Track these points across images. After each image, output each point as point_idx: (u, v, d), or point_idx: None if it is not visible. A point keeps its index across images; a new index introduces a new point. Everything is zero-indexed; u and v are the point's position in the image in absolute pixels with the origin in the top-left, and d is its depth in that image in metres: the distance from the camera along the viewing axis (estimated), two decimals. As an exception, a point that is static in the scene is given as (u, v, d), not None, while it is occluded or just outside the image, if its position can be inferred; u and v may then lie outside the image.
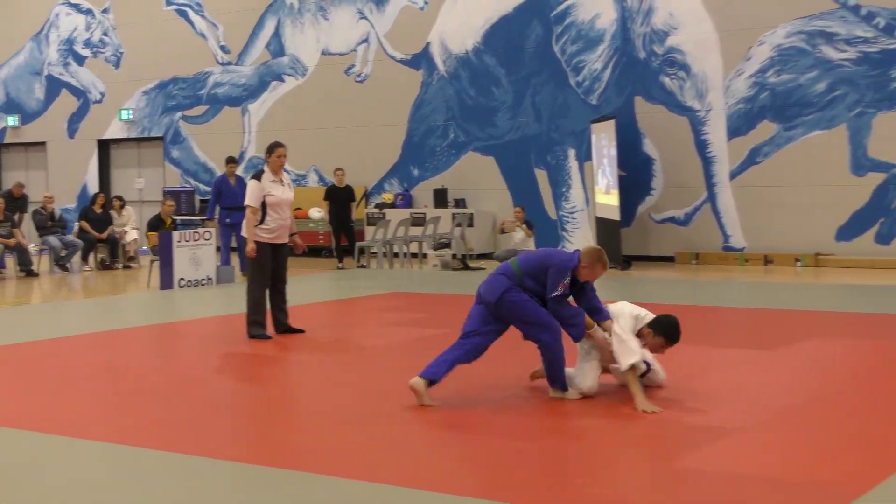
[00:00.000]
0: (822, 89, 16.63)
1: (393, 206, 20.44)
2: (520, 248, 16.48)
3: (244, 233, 9.76)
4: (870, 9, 16.19)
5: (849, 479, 5.11)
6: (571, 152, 18.97)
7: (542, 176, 19.26)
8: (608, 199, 17.48)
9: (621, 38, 18.24)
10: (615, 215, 17.04)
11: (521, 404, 6.92)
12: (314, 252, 20.54)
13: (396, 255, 18.34)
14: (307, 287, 14.79)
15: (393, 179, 20.90)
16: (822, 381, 7.39)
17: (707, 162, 17.62)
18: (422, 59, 20.42)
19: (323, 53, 21.56)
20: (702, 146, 17.64)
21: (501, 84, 19.55)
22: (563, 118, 18.95)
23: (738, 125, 17.34)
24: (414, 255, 18.88)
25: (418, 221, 19.02)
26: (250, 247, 9.56)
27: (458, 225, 18.76)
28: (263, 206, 9.61)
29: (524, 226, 16.43)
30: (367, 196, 21.07)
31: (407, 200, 20.53)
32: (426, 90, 20.41)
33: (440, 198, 19.84)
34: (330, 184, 19.35)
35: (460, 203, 19.69)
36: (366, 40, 21.07)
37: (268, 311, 9.92)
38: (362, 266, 17.92)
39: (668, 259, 17.98)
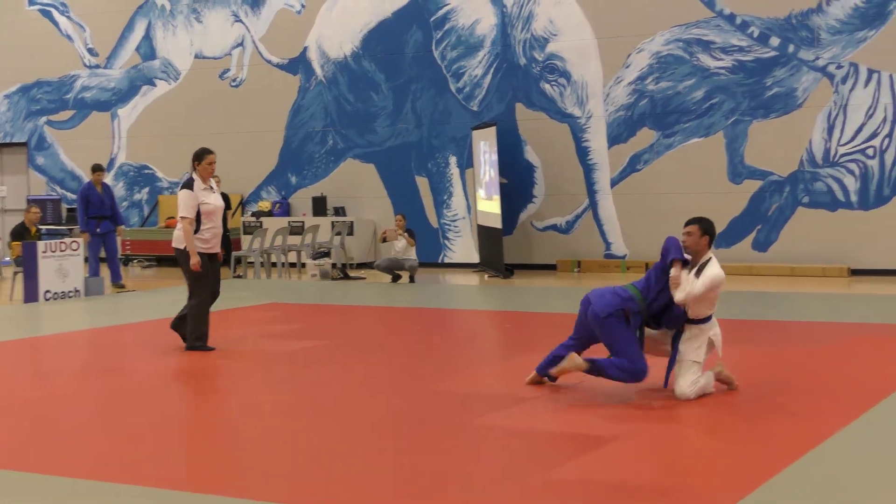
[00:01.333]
0: (700, 97, 17.12)
1: (270, 214, 20.29)
2: (401, 257, 16.55)
3: (177, 243, 9.59)
4: (744, 18, 16.75)
5: (725, 485, 5.29)
6: (453, 159, 19.13)
7: (423, 183, 19.37)
8: (490, 206, 17.68)
9: (502, 44, 18.48)
10: (497, 223, 17.25)
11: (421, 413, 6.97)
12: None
13: (274, 264, 18.23)
14: (181, 299, 14.58)
15: (270, 187, 20.76)
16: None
17: (588, 169, 17.97)
18: (299, 64, 20.34)
19: (196, 57, 21.31)
20: (583, 153, 17.99)
21: (381, 90, 19.61)
22: (444, 124, 19.10)
23: (619, 132, 17.73)
24: (292, 265, 18.78)
25: (297, 230, 18.93)
26: (195, 260, 9.48)
27: (338, 234, 18.74)
28: (197, 215, 9.55)
29: (406, 234, 16.50)
30: (243, 204, 20.88)
31: (285, 209, 20.41)
32: (304, 96, 20.34)
33: (319, 206, 19.79)
34: (204, 192, 19.08)
35: (340, 211, 19.67)
36: (241, 44, 20.90)
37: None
38: (238, 276, 17.80)
39: (551, 267, 18.26)
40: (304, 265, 18.91)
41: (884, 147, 15.97)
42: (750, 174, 16.88)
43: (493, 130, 17.12)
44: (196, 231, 9.55)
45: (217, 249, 9.80)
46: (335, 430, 6.84)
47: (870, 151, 16.06)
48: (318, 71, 20.14)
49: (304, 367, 9.01)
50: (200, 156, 9.74)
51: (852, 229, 16.19)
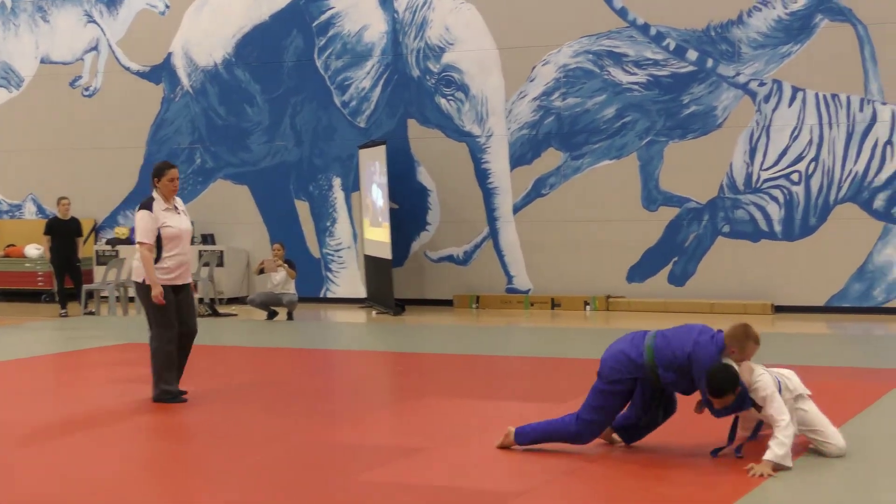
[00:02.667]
0: (611, 115, 17.44)
1: (128, 241, 20.00)
2: (278, 291, 16.47)
3: (136, 277, 9.29)
4: (659, 29, 17.14)
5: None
6: (337, 181, 19.13)
7: (303, 208, 19.31)
8: (378, 234, 17.71)
9: (392, 53, 18.59)
10: (386, 253, 17.28)
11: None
12: (32, 296, 19.84)
13: (132, 299, 17.96)
14: (22, 339, 14.30)
15: (128, 211, 20.47)
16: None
17: (488, 193, 18.14)
18: (162, 72, 20.16)
19: (42, 62, 20.97)
20: (482, 176, 18.16)
21: (256, 102, 19.54)
22: (328, 142, 19.11)
23: (522, 153, 17.94)
24: (153, 300, 18.53)
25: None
26: (157, 292, 9.11)
27: (206, 264, 18.57)
28: (158, 240, 9.21)
29: (285, 265, 16.44)
30: (96, 230, 20.55)
31: (145, 236, 20.13)
32: (168, 108, 20.15)
33: (184, 233, 19.57)
34: (52, 216, 18.78)
35: (208, 239, 19.50)
36: (95, 48, 20.64)
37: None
38: (90, 313, 17.54)
39: (447, 303, 18.34)
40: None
41: (809, 172, 16.46)
42: (666, 200, 17.23)
43: (382, 150, 17.18)
44: (157, 259, 9.20)
45: (185, 280, 9.43)
46: (202, 488, 6.77)
47: (794, 177, 16.54)
48: (185, 80, 19.99)
49: (165, 417, 8.90)
50: (161, 171, 9.42)
51: (776, 262, 16.62)
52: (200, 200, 19.80)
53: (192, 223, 9.79)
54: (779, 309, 16.54)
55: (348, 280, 19.12)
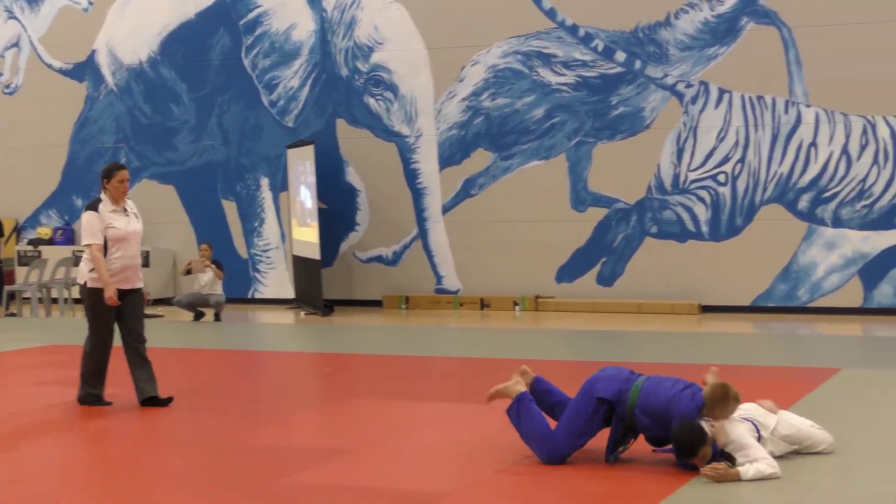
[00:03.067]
0: (541, 116, 17.51)
1: (51, 242, 19.77)
2: (206, 292, 16.34)
3: (81, 279, 9.06)
4: (588, 30, 17.24)
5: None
6: (265, 181, 19.03)
7: (230, 208, 19.18)
8: (307, 234, 17.63)
9: (321, 52, 18.52)
10: (315, 253, 17.21)
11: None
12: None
13: (55, 300, 17.76)
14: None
15: (51, 211, 20.21)
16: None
17: (417, 194, 18.14)
18: (86, 70, 19.92)
19: (-37, 58, 20.64)
20: (412, 176, 18.15)
21: (182, 101, 19.37)
22: (255, 142, 18.99)
23: (451, 153, 17.96)
24: (77, 301, 18.32)
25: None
26: (110, 293, 8.89)
27: (131, 265, 18.37)
28: (104, 243, 9.00)
29: (213, 266, 16.32)
30: (18, 230, 20.26)
31: (68, 236, 19.90)
32: (92, 106, 19.92)
33: (109, 233, 19.36)
34: (-28, 216, 18.48)
35: (133, 239, 19.30)
36: (16, 44, 20.34)
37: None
38: (12, 314, 17.35)
39: (376, 303, 18.32)
40: (90, 301, 18.46)
41: (735, 173, 16.66)
42: (594, 201, 17.34)
43: (310, 149, 17.12)
44: None
45: (133, 284, 9.18)
46: (124, 493, 6.69)
47: (721, 178, 16.72)
48: (109, 78, 19.77)
49: (89, 420, 8.79)
50: (110, 172, 9.18)
51: (703, 262, 16.80)
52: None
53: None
54: (706, 309, 16.72)
55: (276, 281, 19.03)
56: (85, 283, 9.05)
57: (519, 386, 7.17)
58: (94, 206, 9.13)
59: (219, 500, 6.40)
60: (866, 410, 8.70)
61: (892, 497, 6.16)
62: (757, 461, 6.50)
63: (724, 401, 6.73)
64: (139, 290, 9.27)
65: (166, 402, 9.20)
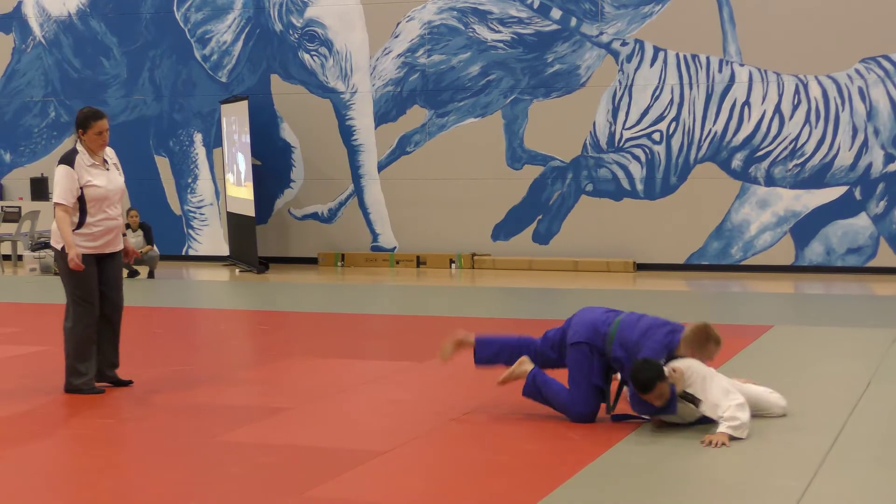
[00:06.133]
0: (476, 73, 17.49)
1: (-22, 198, 19.48)
2: (139, 249, 16.18)
3: (55, 243, 7.96)
4: (525, -14, 17.22)
5: (497, 502, 5.45)
6: (198, 137, 18.85)
7: (163, 164, 19.00)
8: (241, 191, 17.52)
9: (254, 6, 18.32)
10: (250, 210, 17.11)
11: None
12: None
13: (-16, 258, 17.53)
14: None
15: (-21, 166, 19.90)
16: (473, 394, 7.79)
17: (353, 151, 18.06)
18: (13, 22, 19.55)
19: None
20: (347, 133, 18.07)
21: (113, 55, 19.09)
22: (189, 97, 18.79)
23: (387, 110, 17.89)
24: (6, 258, 18.10)
25: (12, 217, 18.24)
26: (73, 254, 7.72)
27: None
28: (82, 202, 7.88)
29: (140, 232, 16.18)
30: (-55, 186, 19.93)
31: (-3, 192, 19.63)
32: (19, 59, 19.57)
33: (39, 189, 19.10)
34: None
35: (64, 196, 19.06)
36: (-58, -4, 19.91)
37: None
38: (-60, 272, 17.04)
39: (311, 261, 18.26)
40: (20, 258, 18.23)
41: (670, 132, 16.76)
42: (530, 159, 17.38)
43: (244, 105, 16.98)
44: (80, 224, 7.87)
45: (114, 247, 8.07)
46: (60, 449, 6.63)
47: (656, 136, 16.82)
48: (37, 30, 19.42)
49: (23, 377, 8.68)
50: (86, 122, 7.93)
51: (638, 220, 16.92)
52: (55, 156, 19.24)
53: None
54: (640, 267, 16.86)
55: (211, 238, 18.90)
56: (62, 247, 7.92)
57: (525, 365, 7.13)
58: (69, 158, 7.90)
59: (150, 458, 6.36)
60: (798, 366, 8.83)
61: (823, 450, 6.26)
62: (727, 409, 6.44)
63: (704, 342, 6.74)
64: (118, 254, 8.19)
65: (126, 383, 8.24)
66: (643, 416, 6.85)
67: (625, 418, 6.96)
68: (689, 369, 6.65)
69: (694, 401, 6.59)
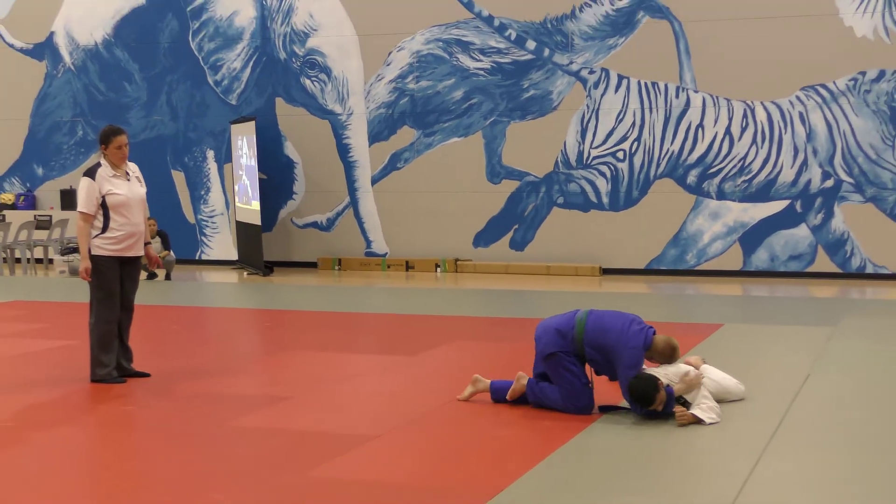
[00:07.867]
0: (459, 97, 17.49)
1: (14, 207, 19.38)
2: (158, 254, 16.12)
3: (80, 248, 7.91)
4: (502, 20, 17.22)
5: (477, 484, 5.45)
6: (210, 153, 18.81)
7: (179, 178, 18.95)
8: (249, 207, 17.50)
9: (261, 37, 18.30)
10: (256, 219, 17.08)
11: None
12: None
13: (18, 260, 17.44)
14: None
15: (14, 178, 19.80)
16: (459, 385, 7.79)
17: (349, 166, 18.04)
18: (45, 50, 19.49)
19: (-70, 38, 20.07)
20: (344, 150, 18.04)
21: (134, 80, 19.04)
22: (202, 118, 18.74)
23: (380, 130, 17.88)
24: (38, 261, 18.02)
25: (43, 224, 18.17)
26: (83, 269, 7.82)
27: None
28: (105, 209, 7.89)
29: (158, 239, 16.12)
30: (-18, 197, 19.83)
31: (30, 201, 19.53)
32: (51, 83, 19.51)
33: (67, 199, 19.03)
34: (-61, 183, 18.04)
35: (90, 206, 18.97)
36: (-19, 26, 19.82)
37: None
38: (-23, 274, 16.95)
39: (311, 265, 18.23)
40: (51, 261, 18.17)
41: (633, 150, 16.78)
42: (508, 174, 17.38)
43: (252, 125, 16.95)
44: (105, 229, 7.87)
45: (136, 252, 8.03)
46: (85, 433, 6.61)
47: (620, 155, 16.84)
48: (67, 58, 19.37)
49: (52, 369, 8.65)
50: (107, 138, 7.98)
51: (603, 230, 16.93)
52: (82, 170, 19.19)
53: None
54: (606, 271, 16.87)
55: (221, 244, 18.85)
56: (88, 250, 7.94)
57: (522, 380, 7.09)
58: (91, 172, 7.99)
59: (167, 441, 6.34)
60: (746, 360, 8.86)
61: (767, 435, 6.28)
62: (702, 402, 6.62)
63: (672, 354, 6.81)
64: (139, 258, 8.14)
65: (143, 374, 8.22)
66: (635, 411, 6.83)
67: (612, 409, 6.95)
68: (698, 377, 6.74)
69: (685, 404, 6.69)
